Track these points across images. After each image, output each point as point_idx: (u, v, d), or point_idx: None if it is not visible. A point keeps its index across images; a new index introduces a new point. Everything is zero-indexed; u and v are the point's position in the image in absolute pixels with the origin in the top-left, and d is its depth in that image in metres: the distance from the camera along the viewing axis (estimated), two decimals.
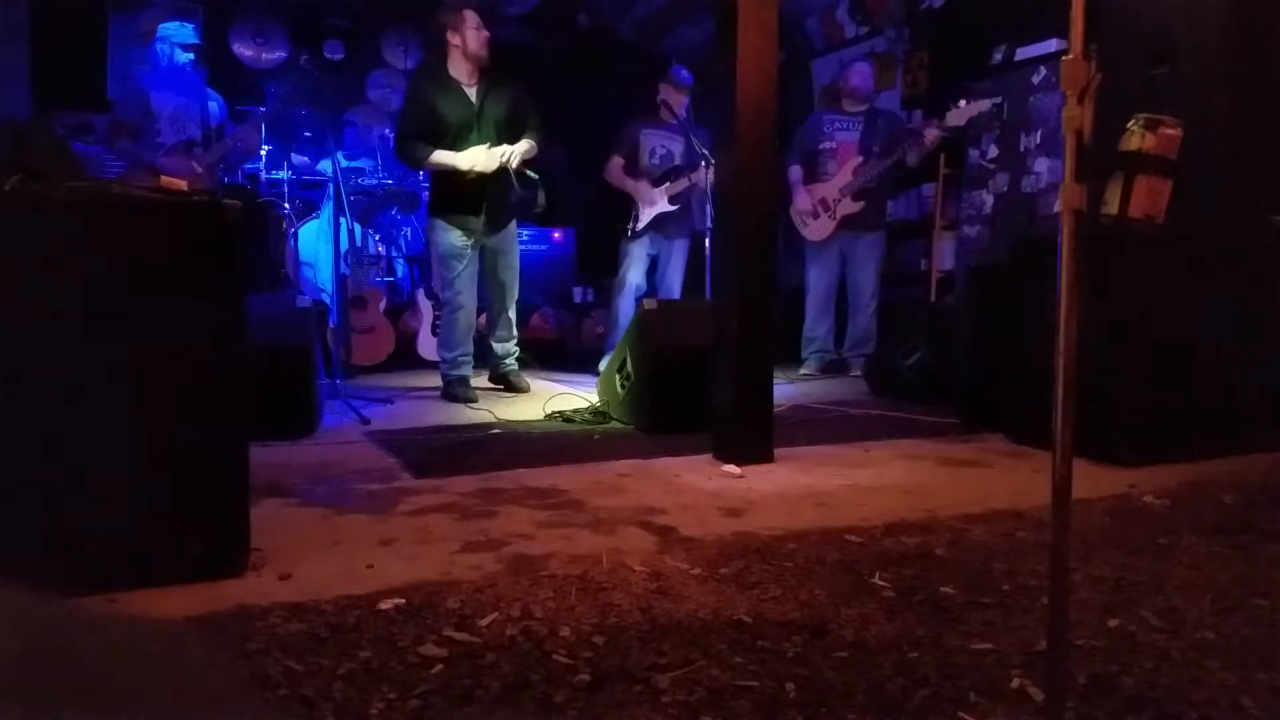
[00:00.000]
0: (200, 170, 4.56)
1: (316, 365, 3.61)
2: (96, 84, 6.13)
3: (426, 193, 5.39)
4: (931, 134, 5.01)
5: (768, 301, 3.06)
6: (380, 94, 7.30)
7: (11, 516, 1.68)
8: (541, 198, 4.38)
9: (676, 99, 5.18)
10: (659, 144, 5.28)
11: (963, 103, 4.90)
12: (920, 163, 5.24)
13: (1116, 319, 2.93)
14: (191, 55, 4.70)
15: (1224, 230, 3.28)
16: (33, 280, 1.68)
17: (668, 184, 5.16)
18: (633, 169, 5.24)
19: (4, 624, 0.40)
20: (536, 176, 4.32)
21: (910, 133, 5.25)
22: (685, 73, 5.21)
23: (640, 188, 5.16)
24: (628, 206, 5.23)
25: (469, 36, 4.26)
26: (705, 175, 4.97)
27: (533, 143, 4.33)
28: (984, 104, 4.89)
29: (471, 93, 4.33)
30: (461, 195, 4.28)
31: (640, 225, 5.16)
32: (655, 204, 5.16)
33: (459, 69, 4.33)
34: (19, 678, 0.37)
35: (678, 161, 5.25)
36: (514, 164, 4.22)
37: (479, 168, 4.18)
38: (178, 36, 4.69)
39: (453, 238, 4.33)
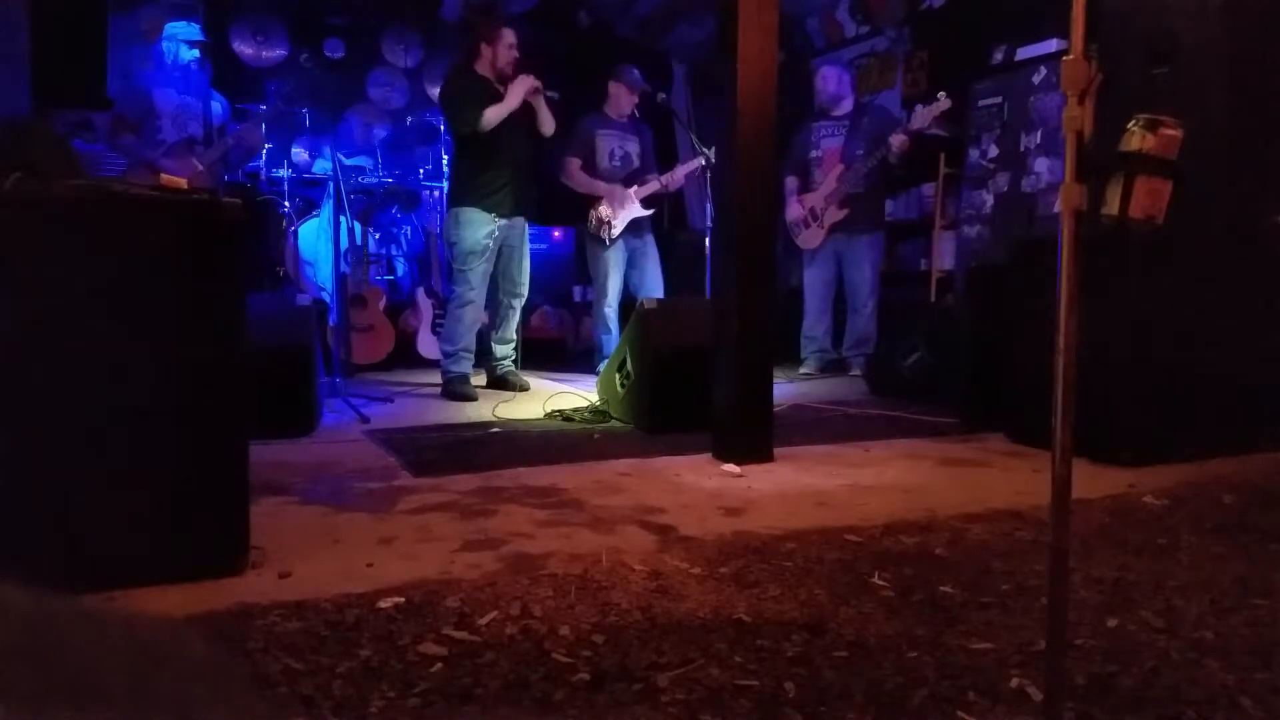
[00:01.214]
0: (201, 168, 4.57)
1: (316, 364, 3.61)
2: (97, 82, 6.11)
3: (442, 188, 5.43)
4: (898, 140, 5.06)
5: (768, 301, 3.06)
6: (380, 92, 7.30)
7: (11, 514, 1.68)
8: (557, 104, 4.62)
9: (629, 100, 5.16)
10: (616, 145, 5.21)
11: (919, 108, 4.95)
12: (903, 162, 5.25)
13: (1116, 319, 2.93)
14: (197, 53, 4.69)
15: (1224, 230, 3.28)
16: (32, 278, 1.68)
17: (636, 186, 5.11)
18: (589, 170, 5.15)
19: (2, 622, 0.40)
20: (556, 95, 4.57)
21: (895, 125, 5.26)
22: (638, 74, 5.17)
23: (613, 191, 5.07)
24: (587, 212, 5.11)
25: (501, 53, 4.48)
26: (697, 171, 4.97)
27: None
28: (943, 103, 4.91)
29: (501, 90, 4.49)
30: (489, 179, 4.41)
31: (615, 233, 5.08)
32: (628, 209, 5.08)
33: (486, 72, 4.51)
34: (17, 675, 0.37)
35: (636, 164, 5.22)
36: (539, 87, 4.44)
37: (524, 95, 4.38)
38: (185, 34, 4.69)
39: (478, 232, 4.39)
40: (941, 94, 4.94)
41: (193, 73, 4.72)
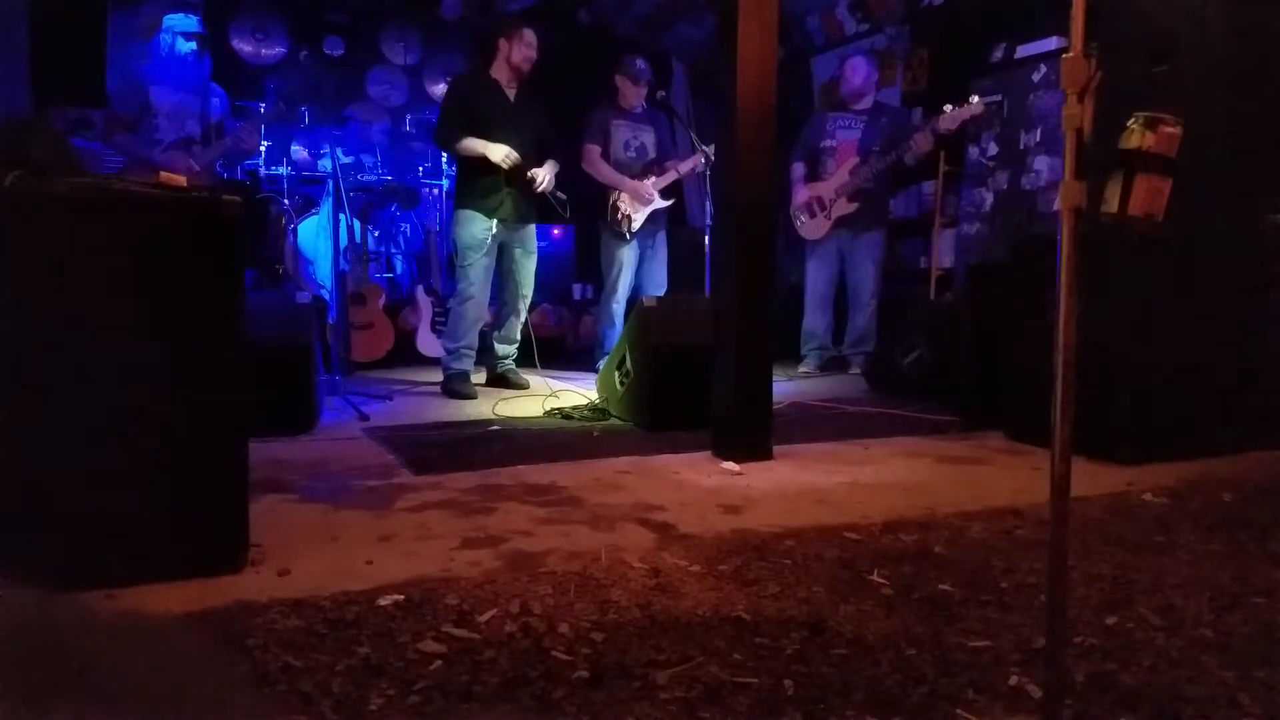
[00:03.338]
0: (198, 168, 4.51)
1: (316, 361, 3.61)
2: (96, 79, 6.12)
3: (441, 186, 5.47)
4: (924, 138, 5.01)
5: (767, 299, 3.06)
6: (380, 90, 7.29)
7: (10, 512, 1.68)
8: (569, 210, 4.71)
9: (635, 91, 5.16)
10: (631, 136, 5.20)
11: (948, 108, 4.90)
12: (918, 162, 5.24)
13: (1116, 317, 2.93)
14: (194, 44, 4.59)
15: (1224, 229, 3.28)
16: (31, 276, 1.68)
17: (654, 178, 5.11)
18: (604, 159, 5.15)
19: (4, 619, 0.40)
20: (565, 197, 4.64)
21: (912, 131, 5.24)
22: (642, 64, 5.16)
23: (639, 188, 5.07)
24: (607, 205, 5.11)
25: (517, 49, 4.54)
26: (701, 165, 4.97)
27: (556, 164, 4.63)
28: (975, 107, 4.87)
29: (510, 93, 4.57)
30: (487, 185, 4.45)
31: (636, 226, 5.08)
32: (649, 202, 5.09)
33: (500, 72, 4.58)
34: (19, 672, 0.37)
35: (651, 154, 5.21)
36: (547, 187, 4.56)
37: (505, 164, 4.40)
38: (181, 26, 4.60)
39: (475, 229, 4.45)
40: (975, 97, 4.90)
41: (190, 66, 4.62)
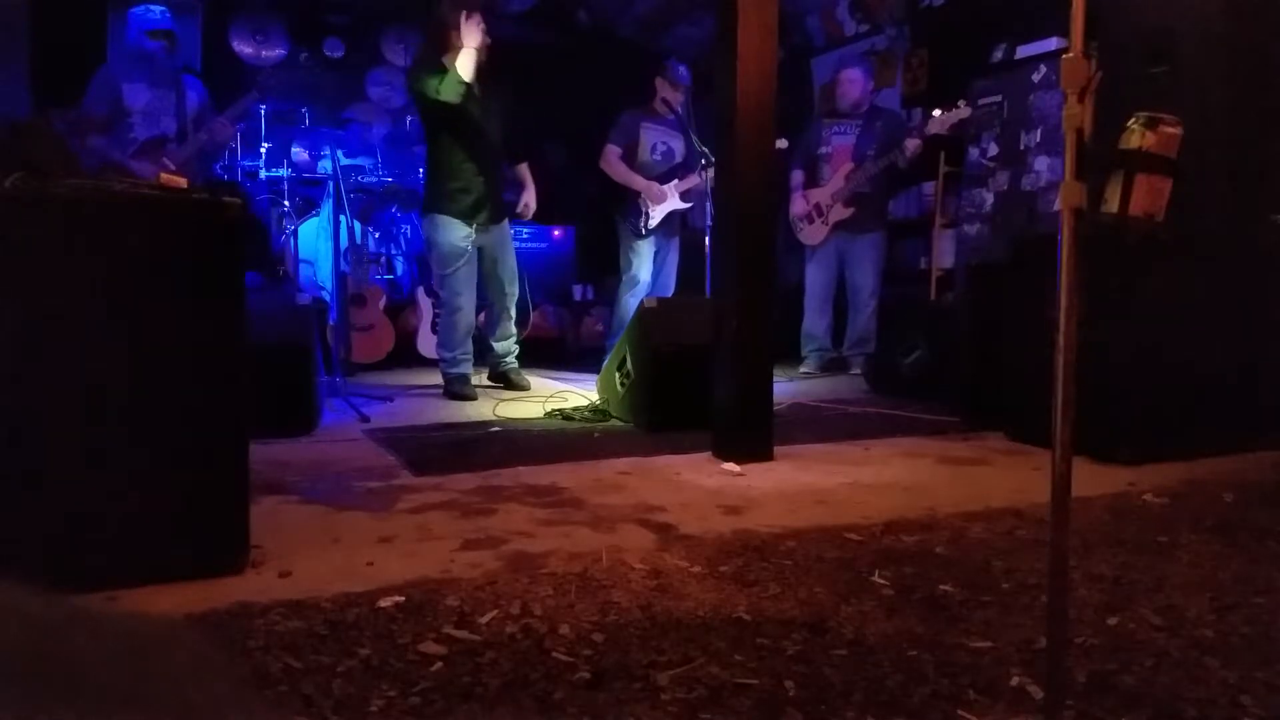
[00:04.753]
0: (174, 167, 4.17)
1: (316, 363, 3.61)
2: None
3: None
4: (913, 144, 5.06)
5: (767, 300, 3.06)
6: (380, 91, 7.29)
7: (10, 513, 1.68)
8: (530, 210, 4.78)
9: (674, 96, 5.18)
10: (660, 140, 5.24)
11: (937, 112, 4.95)
12: (911, 165, 5.26)
13: (1116, 317, 2.93)
14: (163, 42, 4.33)
15: (1224, 229, 3.28)
16: (32, 277, 1.68)
17: (676, 180, 5.14)
18: (629, 162, 5.19)
19: (4, 621, 0.40)
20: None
21: (906, 135, 5.27)
22: (683, 69, 5.20)
23: (651, 187, 5.10)
24: (626, 202, 5.17)
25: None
26: (706, 174, 4.98)
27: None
28: (963, 111, 4.92)
29: (475, 87, 4.38)
30: (461, 187, 4.34)
31: (653, 223, 5.12)
32: (667, 202, 5.12)
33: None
34: (19, 675, 0.37)
35: (678, 159, 5.24)
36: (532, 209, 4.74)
37: (475, 48, 4.15)
38: (145, 22, 4.34)
39: (451, 236, 4.34)
40: (962, 101, 4.95)
41: (160, 59, 4.34)
